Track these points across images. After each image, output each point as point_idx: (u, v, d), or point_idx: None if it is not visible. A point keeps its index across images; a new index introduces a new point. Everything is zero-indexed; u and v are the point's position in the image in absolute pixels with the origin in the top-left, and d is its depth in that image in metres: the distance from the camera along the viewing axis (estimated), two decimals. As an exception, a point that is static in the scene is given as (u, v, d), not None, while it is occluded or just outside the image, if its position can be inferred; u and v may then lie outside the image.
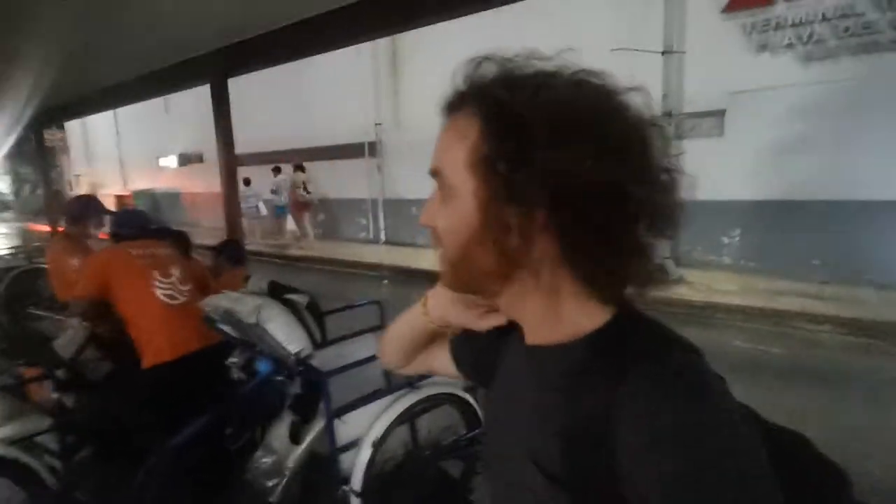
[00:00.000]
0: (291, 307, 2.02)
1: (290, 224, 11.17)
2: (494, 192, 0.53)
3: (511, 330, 0.69)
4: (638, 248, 0.55)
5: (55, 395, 2.35)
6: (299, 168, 10.79)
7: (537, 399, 0.60)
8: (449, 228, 0.59)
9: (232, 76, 4.09)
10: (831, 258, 6.01)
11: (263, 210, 11.33)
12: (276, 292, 2.20)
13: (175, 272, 2.45)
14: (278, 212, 11.22)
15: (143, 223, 2.63)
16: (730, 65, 6.38)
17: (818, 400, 3.61)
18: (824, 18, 5.82)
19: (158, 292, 2.35)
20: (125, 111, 15.21)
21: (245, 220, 10.66)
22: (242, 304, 1.98)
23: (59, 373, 2.38)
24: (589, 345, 0.56)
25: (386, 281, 8.24)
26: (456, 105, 0.58)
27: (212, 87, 4.06)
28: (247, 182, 11.10)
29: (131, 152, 17.59)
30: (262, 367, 2.02)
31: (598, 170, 0.50)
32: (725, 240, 6.77)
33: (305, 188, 10.68)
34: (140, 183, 16.85)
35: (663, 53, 6.34)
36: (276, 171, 11.08)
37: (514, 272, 0.58)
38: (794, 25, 5.98)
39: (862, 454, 2.90)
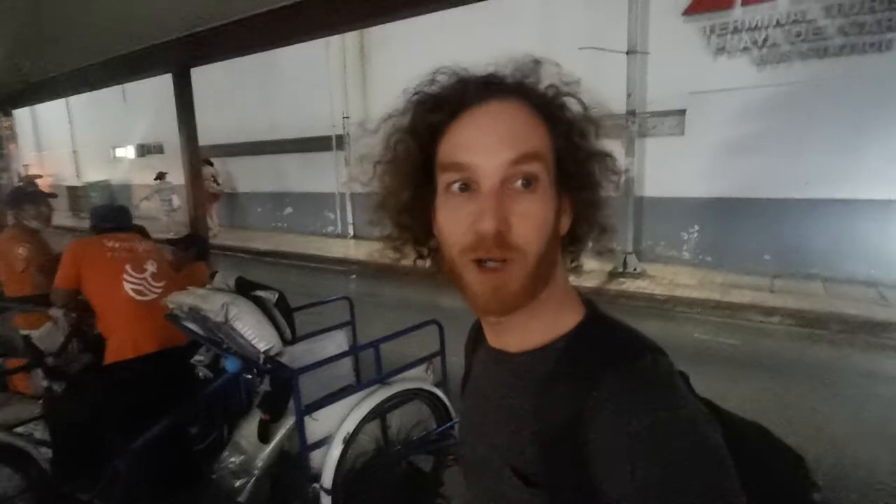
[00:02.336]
0: (260, 304, 2.00)
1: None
2: (559, 179, 0.57)
3: (476, 340, 0.74)
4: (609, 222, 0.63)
5: (45, 384, 2.32)
6: (207, 162, 11.22)
7: (512, 404, 0.60)
8: (537, 222, 0.54)
9: (195, 66, 3.97)
10: (782, 253, 6.31)
11: (177, 202, 11.63)
12: (244, 289, 2.17)
13: (150, 268, 2.40)
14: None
15: (122, 216, 2.56)
16: (690, 66, 6.59)
17: (770, 386, 3.81)
18: (778, 24, 6.07)
19: (127, 287, 2.30)
20: (79, 98, 14.51)
21: (161, 213, 11.49)
22: (209, 301, 1.94)
23: (49, 360, 2.33)
24: (562, 349, 0.58)
25: (354, 276, 8.18)
26: (512, 91, 0.57)
27: (174, 77, 3.94)
28: (160, 176, 11.76)
29: (85, 142, 16.80)
30: (230, 365, 2.00)
31: (599, 151, 0.59)
32: (685, 235, 7.02)
33: (215, 181, 11.23)
34: (95, 174, 16.13)
35: (627, 53, 6.48)
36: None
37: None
38: (750, 29, 6.22)
39: (806, 435, 3.11)
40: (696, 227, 6.92)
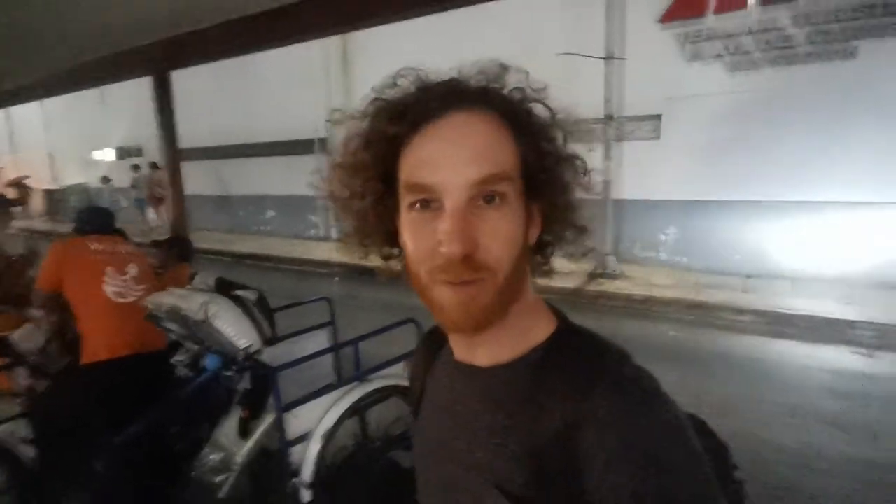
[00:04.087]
0: (240, 303, 2.04)
1: (151, 215, 12.56)
2: (527, 189, 0.55)
3: (433, 355, 0.72)
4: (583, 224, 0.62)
5: (28, 382, 2.32)
6: (155, 166, 11.97)
7: (490, 421, 0.58)
8: (507, 240, 0.52)
9: (176, 69, 3.98)
10: (752, 254, 6.50)
11: (123, 202, 12.86)
12: (224, 289, 2.21)
13: (131, 271, 2.41)
14: (137, 203, 12.85)
15: (106, 219, 2.58)
16: (666, 72, 6.77)
17: (740, 383, 3.94)
18: (749, 31, 6.27)
19: (108, 288, 2.31)
20: (56, 101, 14.26)
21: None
22: (189, 300, 1.98)
23: (33, 358, 2.34)
24: (539, 360, 0.57)
25: (337, 279, 8.19)
26: (477, 100, 0.54)
27: (154, 81, 3.94)
28: (106, 179, 13.65)
29: (62, 144, 16.50)
30: (210, 362, 2.03)
31: (569, 154, 0.58)
32: (662, 237, 7.18)
33: (160, 184, 11.70)
34: (72, 177, 15.85)
35: (605, 59, 6.63)
36: (135, 168, 12.89)
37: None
38: (723, 37, 6.41)
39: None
40: (673, 229, 7.09)
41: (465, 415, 0.61)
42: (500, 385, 0.58)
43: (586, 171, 0.59)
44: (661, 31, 6.72)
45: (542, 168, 0.55)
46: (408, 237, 0.55)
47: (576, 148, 0.59)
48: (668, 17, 6.66)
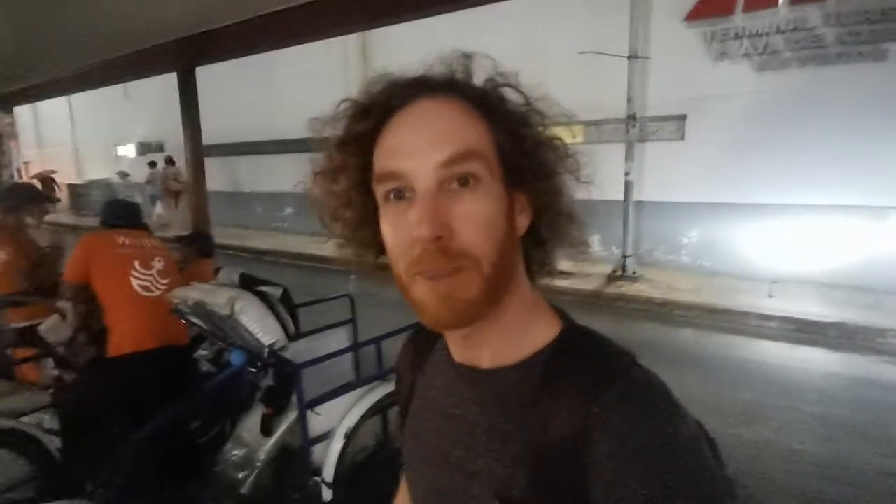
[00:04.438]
0: (265, 299, 2.03)
1: (158, 209, 13.09)
2: (507, 174, 0.53)
3: (423, 354, 0.69)
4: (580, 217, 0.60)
5: (56, 373, 2.35)
6: (171, 162, 12.40)
7: (492, 426, 0.55)
8: (483, 222, 0.50)
9: (200, 65, 4.01)
10: (777, 259, 6.35)
11: (138, 197, 12.53)
12: (249, 284, 2.20)
13: (157, 265, 2.43)
14: (151, 199, 13.14)
15: (133, 213, 2.60)
16: (691, 71, 6.64)
17: (767, 391, 3.84)
18: (779, 30, 6.13)
19: (134, 282, 2.33)
20: (81, 96, 14.54)
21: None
22: (215, 295, 1.97)
23: (60, 350, 2.36)
24: (545, 363, 0.54)
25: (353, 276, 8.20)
26: (442, 88, 0.54)
27: (179, 76, 3.98)
28: (123, 174, 13.96)
29: (87, 139, 16.83)
30: (235, 358, 2.02)
31: (548, 138, 0.56)
32: (684, 240, 7.05)
33: (176, 179, 12.14)
34: (97, 171, 16.15)
35: (629, 58, 6.53)
36: (152, 165, 13.06)
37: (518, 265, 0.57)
38: (751, 36, 6.27)
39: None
40: (695, 232, 6.96)
41: (465, 420, 0.58)
42: (503, 389, 0.55)
43: (570, 156, 0.57)
44: (686, 30, 6.60)
45: (522, 152, 0.53)
46: (386, 231, 0.53)
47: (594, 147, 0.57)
48: (694, 14, 6.53)
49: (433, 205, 0.48)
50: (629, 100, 6.60)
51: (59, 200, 13.33)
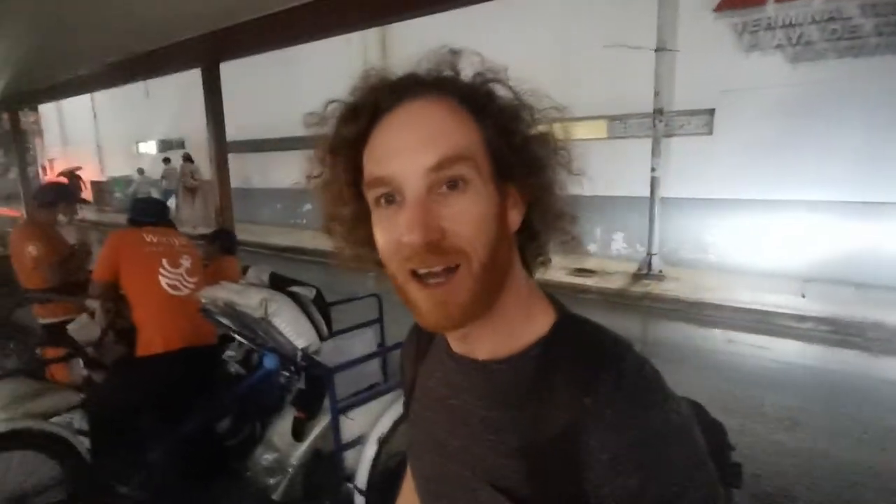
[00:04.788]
0: (297, 300, 1.97)
1: (171, 204, 12.49)
2: (497, 171, 0.53)
3: (425, 344, 0.70)
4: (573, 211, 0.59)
5: (85, 373, 2.34)
6: (188, 159, 12.53)
7: (488, 417, 0.56)
8: (474, 222, 0.50)
9: (224, 60, 3.97)
10: (811, 257, 6.14)
11: (154, 193, 12.61)
12: (279, 284, 2.15)
13: (185, 263, 2.40)
14: (165, 195, 12.82)
15: (160, 211, 2.57)
16: (720, 64, 6.43)
17: (805, 395, 3.69)
18: (813, 20, 5.90)
19: (163, 281, 2.30)
20: (103, 94, 14.73)
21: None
22: (247, 296, 1.92)
23: (90, 350, 2.38)
24: (540, 355, 0.54)
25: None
26: (429, 87, 0.53)
27: (203, 72, 3.94)
28: (141, 171, 13.94)
29: (109, 137, 17.06)
30: (268, 362, 1.97)
31: (538, 133, 0.55)
32: (712, 237, 6.86)
33: (193, 176, 12.40)
34: (118, 168, 16.38)
35: (656, 51, 6.35)
36: (166, 161, 13.25)
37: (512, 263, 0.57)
38: (783, 26, 6.06)
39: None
40: (724, 229, 6.76)
41: (462, 410, 0.59)
42: (500, 380, 0.56)
43: (561, 149, 0.57)
44: (715, 21, 6.39)
45: (511, 148, 0.53)
46: (377, 234, 0.54)
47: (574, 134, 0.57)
48: (724, 5, 6.32)
49: (422, 210, 0.48)
50: (656, 94, 6.42)
51: (89, 202, 13.59)
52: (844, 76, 5.80)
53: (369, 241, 0.58)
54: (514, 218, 0.56)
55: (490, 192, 0.51)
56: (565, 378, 0.51)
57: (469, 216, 0.49)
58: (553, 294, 0.61)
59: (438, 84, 0.54)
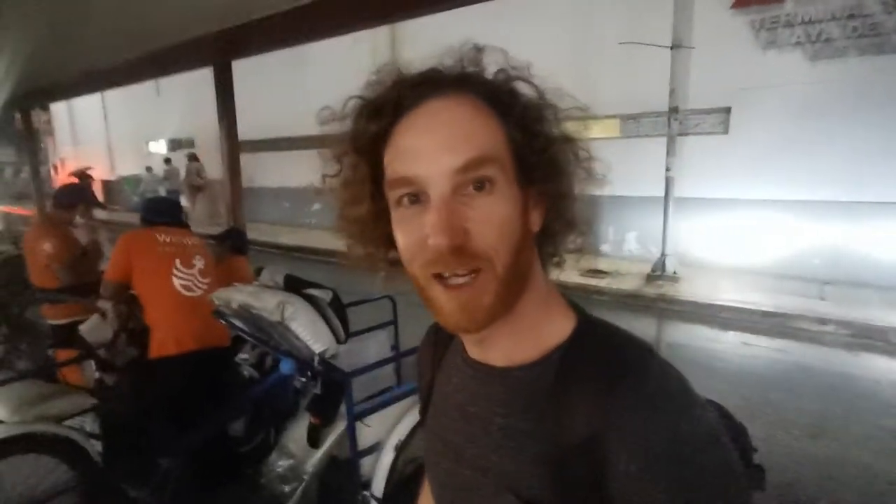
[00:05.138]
0: (314, 304, 1.91)
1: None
2: (521, 171, 0.52)
3: (441, 349, 0.69)
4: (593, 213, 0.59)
5: (97, 375, 2.31)
6: (194, 158, 12.65)
7: (506, 424, 0.55)
8: (499, 225, 0.49)
9: (236, 59, 3.94)
10: (831, 259, 6.01)
11: (161, 191, 12.95)
12: (294, 286, 2.09)
13: (198, 263, 2.37)
14: (171, 196, 13.22)
15: (173, 210, 2.53)
16: (737, 61, 6.32)
17: (829, 401, 3.59)
18: (833, 17, 5.78)
19: (176, 282, 2.27)
20: (114, 93, 14.78)
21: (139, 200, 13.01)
22: (262, 299, 1.86)
23: (101, 352, 2.36)
24: (560, 360, 0.53)
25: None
26: (453, 85, 0.52)
27: (215, 70, 3.91)
28: (149, 169, 14.01)
29: (120, 136, 17.15)
30: (284, 366, 1.92)
31: (561, 136, 0.54)
32: (726, 239, 6.74)
33: (199, 175, 12.56)
34: (129, 167, 16.46)
35: (672, 48, 6.25)
36: (167, 162, 13.55)
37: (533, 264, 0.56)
38: (803, 23, 5.94)
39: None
40: (738, 230, 6.64)
41: (480, 417, 0.58)
42: (518, 387, 0.55)
43: (586, 156, 0.56)
44: (732, 18, 6.29)
45: (534, 149, 0.52)
46: (398, 235, 0.53)
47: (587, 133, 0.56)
48: (741, 2, 6.22)
49: (449, 212, 0.48)
50: (672, 92, 6.31)
51: (105, 206, 13.71)
52: (865, 74, 5.67)
53: (384, 241, 0.57)
54: (535, 219, 0.55)
55: (514, 193, 0.51)
56: (587, 384, 0.50)
57: (494, 218, 0.49)
58: (572, 298, 0.60)
59: (462, 81, 0.52)
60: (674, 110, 6.35)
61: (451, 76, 0.53)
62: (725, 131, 6.60)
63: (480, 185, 0.48)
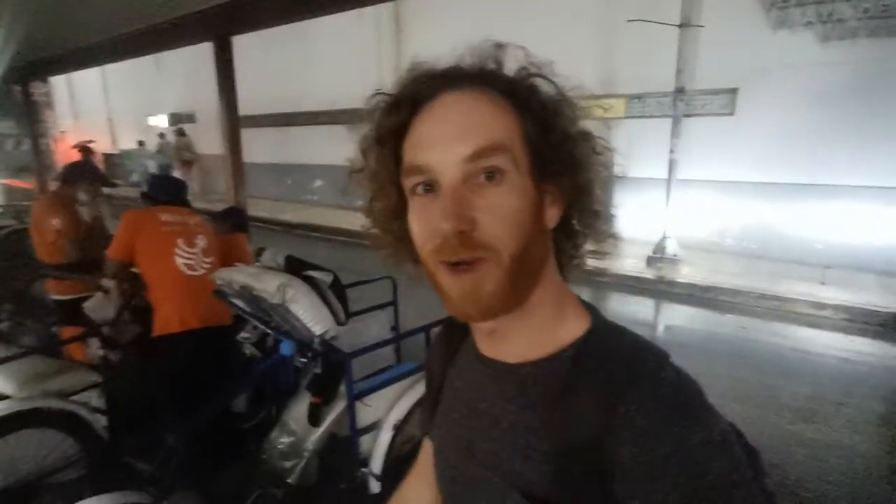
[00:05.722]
0: (315, 286, 1.93)
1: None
2: (536, 166, 0.52)
3: (455, 345, 0.69)
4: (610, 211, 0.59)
5: (101, 352, 2.36)
6: (181, 133, 13.02)
7: (517, 421, 0.55)
8: (506, 216, 0.49)
9: (237, 34, 3.89)
10: (833, 243, 6.00)
11: (152, 167, 13.24)
12: (295, 268, 2.11)
13: (200, 243, 2.39)
14: (161, 169, 13.21)
15: (176, 189, 2.53)
16: (746, 41, 6.20)
17: (823, 385, 3.64)
18: (845, -3, 5.64)
19: (179, 260, 2.29)
20: (114, 67, 14.59)
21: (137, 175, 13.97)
22: (263, 281, 1.88)
23: (105, 329, 2.38)
24: (573, 359, 0.54)
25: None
26: (470, 80, 0.53)
27: (215, 45, 3.86)
28: (141, 143, 14.41)
29: (120, 109, 17.00)
30: (285, 348, 1.95)
31: (579, 131, 0.54)
32: (731, 221, 6.72)
33: (189, 150, 12.93)
34: (130, 141, 16.36)
35: (680, 26, 6.12)
36: (161, 136, 13.77)
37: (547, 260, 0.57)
38: (815, 2, 5.80)
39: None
40: (743, 213, 6.61)
41: (490, 413, 0.59)
42: (529, 385, 0.55)
43: (604, 152, 0.56)
44: (743, -4, 6.14)
45: (552, 145, 0.52)
46: (412, 222, 0.54)
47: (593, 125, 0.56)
48: (753, -20, 6.06)
49: (457, 199, 0.48)
50: (679, 72, 6.21)
51: (114, 185, 13.62)
52: (877, 56, 5.57)
53: (406, 236, 0.57)
54: (552, 215, 0.55)
55: (526, 186, 0.51)
56: (598, 384, 0.50)
57: (502, 208, 0.49)
58: (588, 302, 0.60)
59: (480, 76, 0.53)
60: (680, 91, 6.26)
61: (468, 72, 0.54)
62: (732, 113, 6.51)
63: (491, 175, 0.49)
